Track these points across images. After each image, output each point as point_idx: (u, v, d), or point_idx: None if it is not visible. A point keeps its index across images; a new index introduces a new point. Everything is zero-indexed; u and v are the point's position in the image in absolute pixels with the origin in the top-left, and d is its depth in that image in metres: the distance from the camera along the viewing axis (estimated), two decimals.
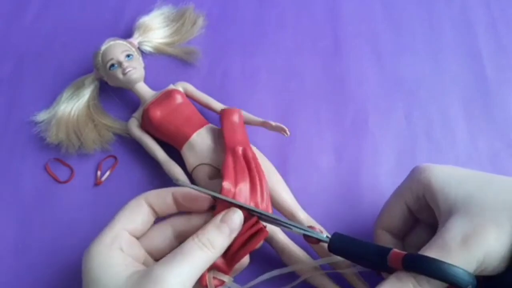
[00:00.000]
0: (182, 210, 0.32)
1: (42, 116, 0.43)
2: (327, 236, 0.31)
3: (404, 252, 0.28)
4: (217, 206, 0.31)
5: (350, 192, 0.41)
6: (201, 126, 0.40)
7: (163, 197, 0.31)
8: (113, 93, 0.45)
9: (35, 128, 0.43)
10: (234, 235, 0.29)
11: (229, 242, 0.29)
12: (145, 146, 0.41)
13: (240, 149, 0.37)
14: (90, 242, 0.29)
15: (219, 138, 0.39)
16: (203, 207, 0.31)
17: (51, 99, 0.44)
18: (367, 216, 0.39)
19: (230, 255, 0.30)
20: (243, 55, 0.48)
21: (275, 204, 0.37)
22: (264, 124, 0.40)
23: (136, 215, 0.30)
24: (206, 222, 0.30)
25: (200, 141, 0.39)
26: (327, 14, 0.50)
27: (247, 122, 0.40)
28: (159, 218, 0.32)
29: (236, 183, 0.34)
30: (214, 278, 0.31)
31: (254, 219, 0.30)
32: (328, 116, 0.44)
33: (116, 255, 0.28)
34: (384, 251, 0.29)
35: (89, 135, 0.42)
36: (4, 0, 0.52)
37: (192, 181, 0.39)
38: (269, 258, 0.37)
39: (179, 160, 0.39)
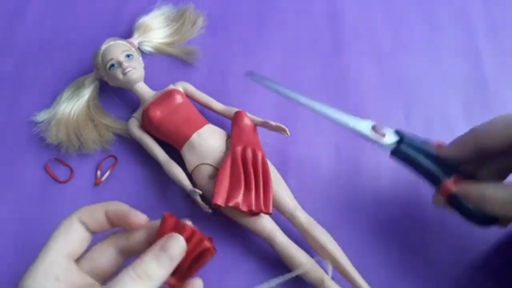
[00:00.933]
0: (116, 227, 0.29)
1: (42, 116, 0.43)
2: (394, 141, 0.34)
3: (453, 190, 0.31)
4: (160, 226, 0.28)
5: (350, 192, 0.41)
6: (201, 126, 0.40)
7: (94, 214, 0.28)
8: (113, 93, 0.45)
9: (35, 128, 0.43)
10: (175, 263, 0.26)
11: (169, 271, 0.26)
12: (145, 146, 0.41)
13: (239, 149, 0.37)
14: None
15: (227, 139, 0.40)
16: (137, 225, 0.29)
17: (51, 99, 0.44)
18: (367, 216, 0.39)
19: (180, 272, 0.27)
20: (243, 55, 0.48)
21: (275, 204, 0.37)
22: (264, 124, 0.40)
23: (70, 236, 0.28)
24: (148, 236, 0.28)
25: (200, 141, 0.39)
26: (327, 14, 0.50)
27: None
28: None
29: (228, 191, 0.36)
30: None
31: (197, 236, 0.27)
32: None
33: (56, 284, 0.26)
34: (444, 172, 0.32)
35: (89, 135, 0.42)
36: (4, 0, 0.52)
37: (192, 181, 0.39)
38: (269, 259, 0.37)
39: (179, 160, 0.39)
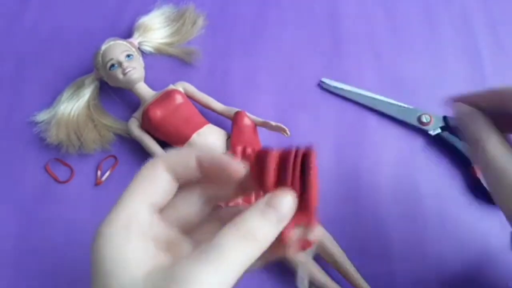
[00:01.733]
0: (206, 179, 0.25)
1: (42, 116, 0.43)
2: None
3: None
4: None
5: (350, 192, 0.41)
6: (201, 126, 0.40)
7: (185, 160, 0.24)
8: (113, 93, 0.45)
9: (35, 128, 0.43)
10: (283, 224, 0.22)
11: (277, 232, 0.22)
12: (145, 146, 0.41)
13: (239, 149, 0.37)
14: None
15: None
16: (235, 175, 0.24)
17: (51, 99, 0.44)
18: (367, 216, 0.39)
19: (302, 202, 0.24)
20: (243, 55, 0.48)
21: None
22: (264, 124, 0.40)
23: (155, 185, 0.24)
24: (240, 183, 0.24)
25: (200, 141, 0.39)
26: (327, 14, 0.50)
27: None
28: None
29: None
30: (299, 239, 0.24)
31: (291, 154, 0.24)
32: (328, 116, 0.44)
33: (133, 244, 0.22)
34: None
35: (89, 135, 0.42)
36: (4, 0, 0.52)
37: None
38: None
39: None
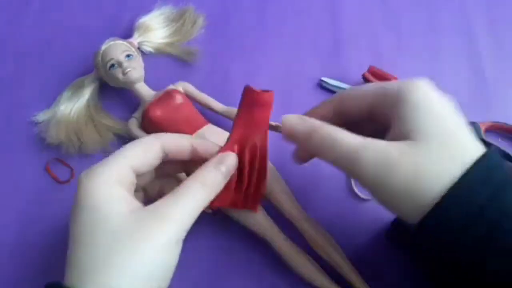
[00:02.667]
0: (194, 160, 0.31)
1: (42, 116, 0.43)
2: None
3: None
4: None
5: (350, 192, 0.41)
6: (201, 126, 0.40)
7: (180, 141, 0.31)
8: (113, 93, 0.45)
9: (35, 129, 0.43)
10: (229, 175, 0.30)
11: (224, 181, 0.30)
12: None
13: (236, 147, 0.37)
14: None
15: None
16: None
17: (51, 99, 0.44)
18: (368, 215, 0.39)
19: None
20: (243, 55, 0.48)
21: (275, 204, 0.37)
22: None
23: (146, 155, 0.29)
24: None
25: None
26: (327, 14, 0.50)
27: None
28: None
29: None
30: None
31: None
32: None
33: (121, 191, 0.27)
34: None
35: (89, 136, 0.42)
36: (4, 0, 0.52)
37: None
38: (270, 259, 0.37)
39: None
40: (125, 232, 0.25)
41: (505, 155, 0.39)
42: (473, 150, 0.27)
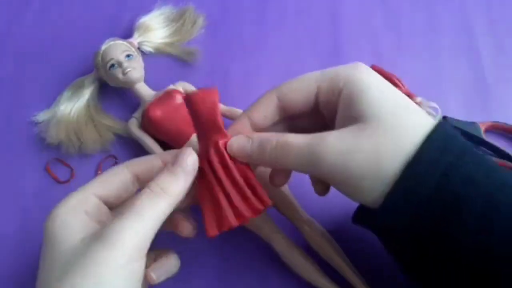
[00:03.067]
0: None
1: (42, 116, 0.43)
2: None
3: None
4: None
5: None
6: None
7: (149, 161, 0.29)
8: (113, 93, 0.45)
9: (35, 128, 0.43)
10: (190, 177, 0.27)
11: (186, 185, 0.27)
12: (145, 146, 0.41)
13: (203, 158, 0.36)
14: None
15: None
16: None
17: (51, 99, 0.44)
18: None
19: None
20: (243, 55, 0.48)
21: (276, 204, 0.37)
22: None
23: (111, 181, 0.29)
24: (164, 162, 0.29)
25: None
26: (327, 14, 0.50)
27: None
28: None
29: (215, 213, 0.30)
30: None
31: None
32: None
33: (78, 217, 0.27)
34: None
35: (89, 135, 0.42)
36: (4, 0, 0.52)
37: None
38: (270, 258, 0.37)
39: None
40: (76, 256, 0.25)
41: (505, 155, 0.40)
42: (427, 125, 0.26)
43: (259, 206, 0.29)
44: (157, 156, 0.30)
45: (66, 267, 0.24)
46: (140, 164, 0.29)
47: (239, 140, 0.29)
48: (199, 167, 0.28)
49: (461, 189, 0.25)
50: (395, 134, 0.26)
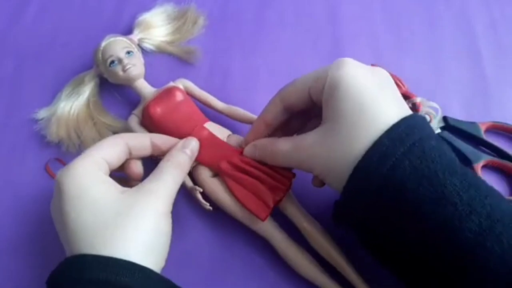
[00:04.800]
0: (155, 154, 0.35)
1: (42, 113, 0.43)
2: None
3: None
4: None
5: None
6: (202, 123, 0.40)
7: (141, 139, 0.35)
8: (113, 90, 0.45)
9: (35, 126, 0.43)
10: (194, 156, 0.35)
11: (190, 161, 0.35)
12: None
13: (224, 166, 0.38)
14: None
15: None
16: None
17: (51, 98, 0.44)
18: None
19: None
20: (243, 55, 0.48)
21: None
22: None
23: (114, 150, 0.33)
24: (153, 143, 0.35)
25: None
26: (327, 14, 0.50)
27: (248, 121, 0.40)
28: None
29: (256, 197, 0.36)
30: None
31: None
32: None
33: (102, 174, 0.31)
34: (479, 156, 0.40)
35: (89, 134, 0.42)
36: (4, 0, 0.52)
37: (193, 178, 0.38)
38: (270, 257, 0.37)
39: None
40: (122, 208, 0.29)
41: (506, 155, 0.40)
42: (392, 116, 0.28)
43: (288, 175, 0.36)
44: (147, 136, 0.35)
45: (115, 217, 0.28)
46: (133, 140, 0.34)
47: (248, 149, 0.36)
48: (221, 174, 0.37)
49: (407, 181, 0.26)
50: (352, 134, 0.28)
